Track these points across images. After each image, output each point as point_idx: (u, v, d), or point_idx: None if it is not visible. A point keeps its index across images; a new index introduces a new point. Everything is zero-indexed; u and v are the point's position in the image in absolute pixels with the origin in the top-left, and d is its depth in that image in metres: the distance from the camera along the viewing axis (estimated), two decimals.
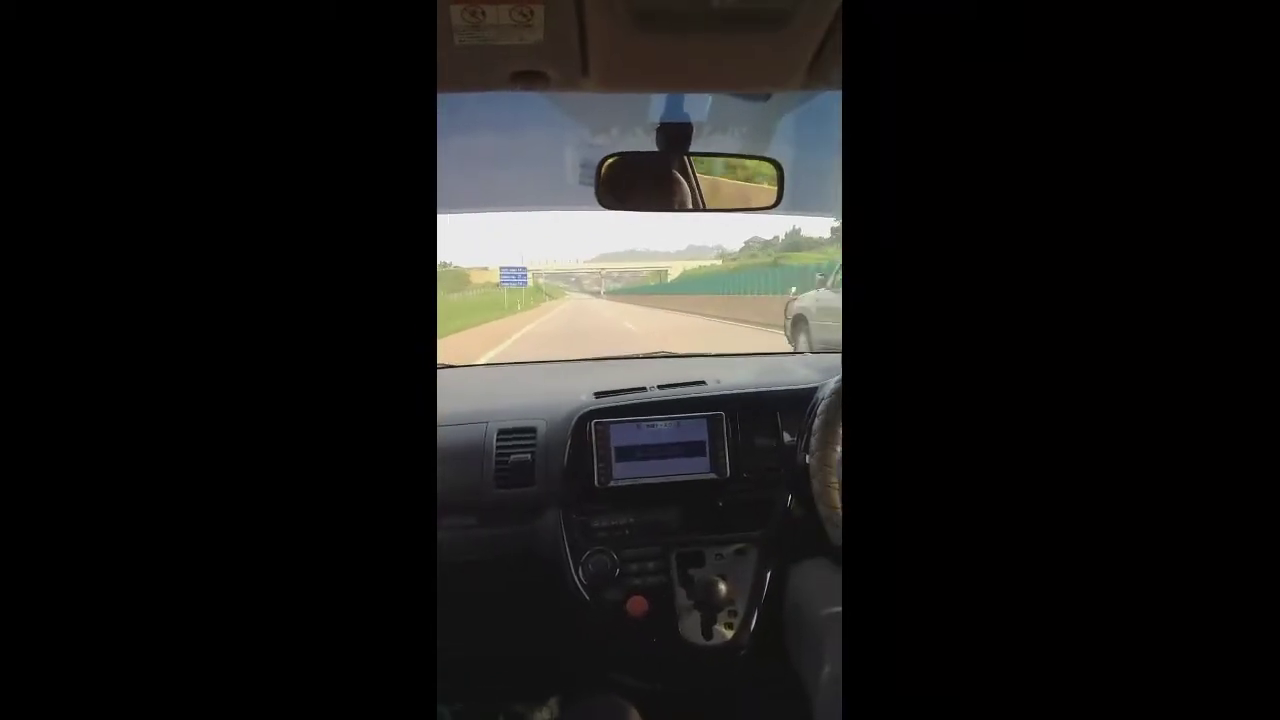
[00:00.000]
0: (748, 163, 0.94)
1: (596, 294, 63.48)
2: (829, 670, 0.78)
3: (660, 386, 1.21)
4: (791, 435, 1.10)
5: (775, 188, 0.88)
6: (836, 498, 0.87)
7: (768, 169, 0.89)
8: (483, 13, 0.45)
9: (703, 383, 1.23)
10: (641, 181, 0.82)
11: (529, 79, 0.54)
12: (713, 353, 1.81)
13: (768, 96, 0.81)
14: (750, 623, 0.99)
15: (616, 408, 1.13)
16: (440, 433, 1.17)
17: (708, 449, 1.11)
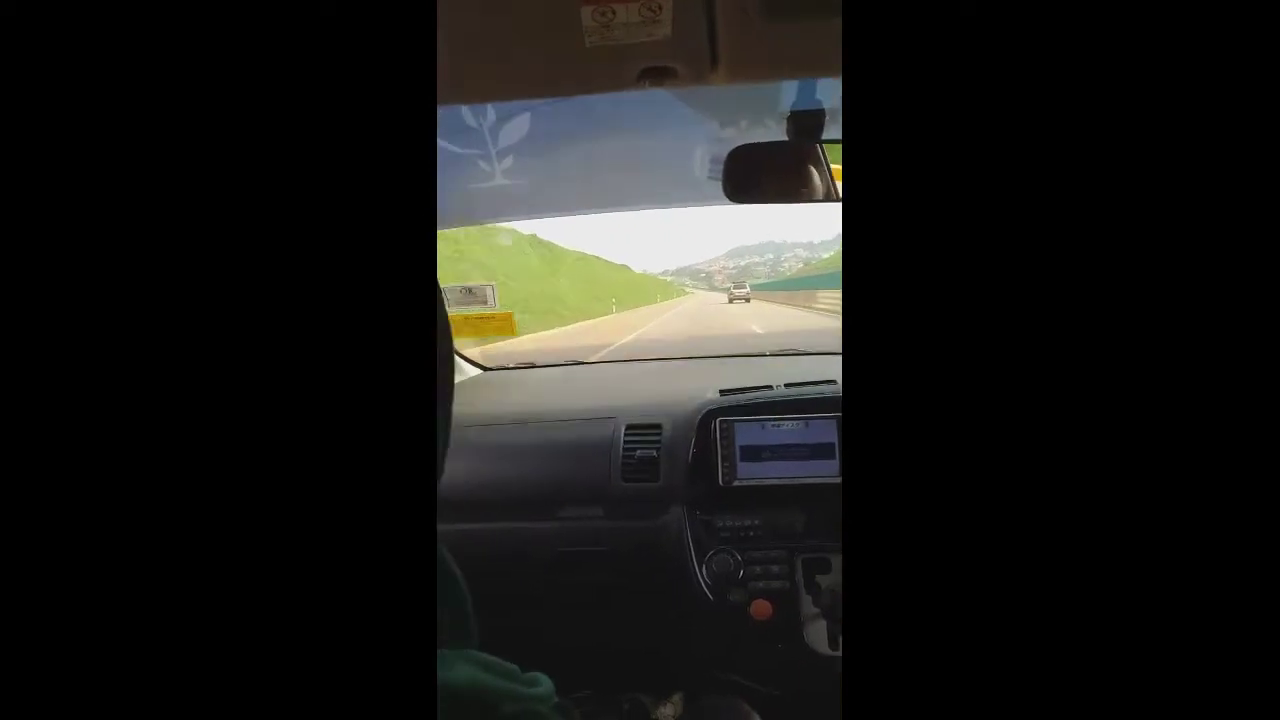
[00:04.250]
0: None
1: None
2: None
3: (787, 385, 1.18)
4: None
5: None
6: None
7: None
8: (613, 12, 0.45)
9: (833, 382, 1.18)
10: (770, 172, 0.79)
11: (657, 75, 0.54)
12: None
13: None
14: None
15: (741, 405, 1.12)
16: (572, 426, 1.21)
17: (838, 451, 1.06)
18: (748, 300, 33.39)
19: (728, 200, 0.81)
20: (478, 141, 1.23)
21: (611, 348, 8.89)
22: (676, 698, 1.03)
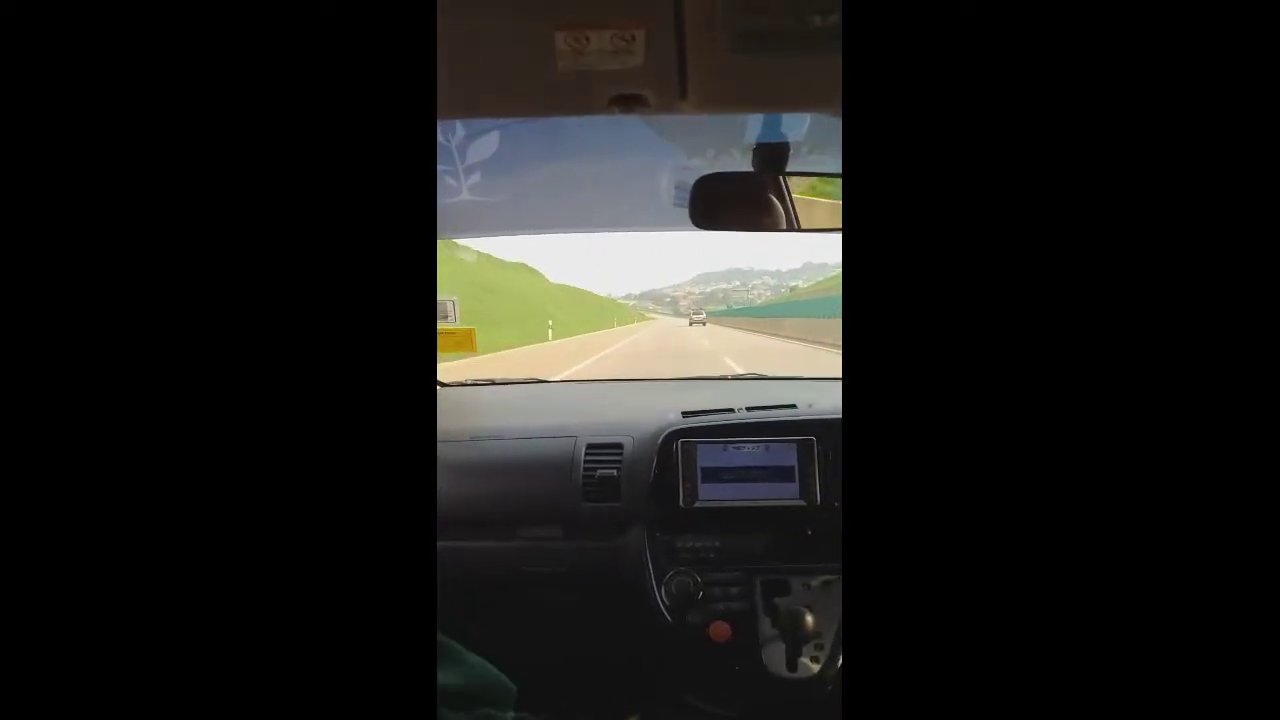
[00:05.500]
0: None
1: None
2: None
3: (749, 408, 1.19)
4: None
5: None
6: None
7: None
8: (586, 38, 0.46)
9: (793, 406, 1.20)
10: (735, 201, 0.82)
11: (627, 102, 0.55)
12: (805, 375, 1.76)
13: None
14: (838, 658, 0.95)
15: (703, 428, 1.13)
16: (531, 444, 1.20)
17: (797, 474, 1.08)
18: (704, 324, 44.41)
19: (693, 227, 0.83)
20: (445, 158, 1.23)
21: None
22: (634, 719, 1.02)
